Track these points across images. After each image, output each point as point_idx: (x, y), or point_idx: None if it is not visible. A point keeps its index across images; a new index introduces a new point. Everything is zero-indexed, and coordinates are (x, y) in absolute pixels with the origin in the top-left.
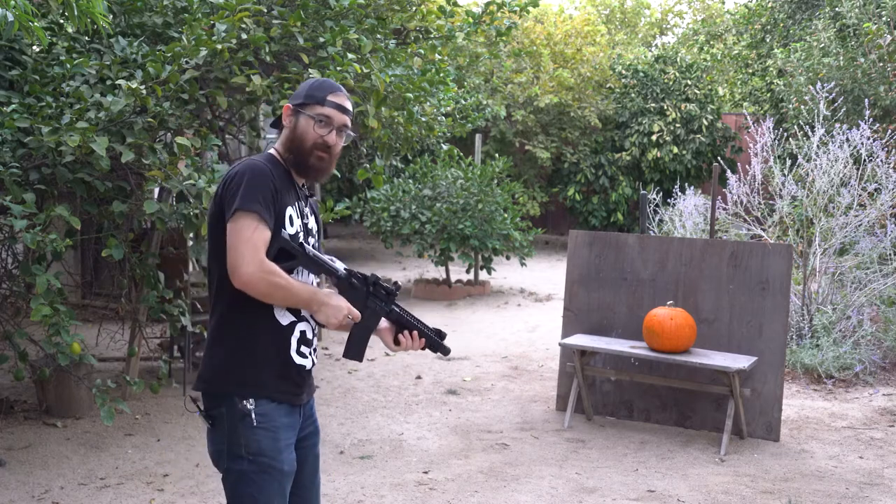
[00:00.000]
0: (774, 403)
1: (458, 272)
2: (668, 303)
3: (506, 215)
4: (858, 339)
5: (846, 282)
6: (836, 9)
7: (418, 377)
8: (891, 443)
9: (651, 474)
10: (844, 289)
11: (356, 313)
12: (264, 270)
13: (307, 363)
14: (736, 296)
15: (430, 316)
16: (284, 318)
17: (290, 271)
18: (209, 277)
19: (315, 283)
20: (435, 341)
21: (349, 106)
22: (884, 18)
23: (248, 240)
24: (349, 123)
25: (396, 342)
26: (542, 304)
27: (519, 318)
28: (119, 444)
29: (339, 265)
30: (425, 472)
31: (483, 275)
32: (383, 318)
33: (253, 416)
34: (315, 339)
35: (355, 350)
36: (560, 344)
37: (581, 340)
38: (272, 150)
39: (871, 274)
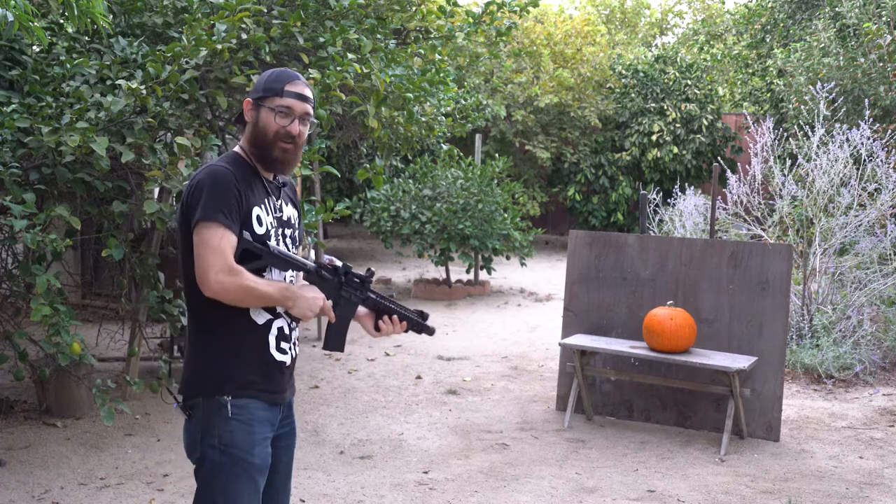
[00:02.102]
0: (774, 403)
1: (458, 272)
2: (668, 303)
3: (506, 215)
4: (858, 339)
5: (846, 282)
6: (836, 9)
7: (418, 377)
8: (891, 443)
9: (651, 474)
10: (844, 289)
11: (328, 305)
12: (233, 275)
13: (287, 359)
14: (736, 296)
15: (430, 316)
16: (260, 317)
17: (259, 271)
18: (184, 282)
19: (288, 279)
20: (418, 322)
21: (309, 94)
22: (884, 18)
23: (216, 248)
24: (311, 111)
25: (378, 328)
26: (542, 304)
27: (519, 318)
28: (119, 444)
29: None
30: (425, 472)
31: (483, 275)
32: (361, 307)
33: (229, 406)
34: (294, 333)
35: (335, 341)
36: (560, 344)
37: (581, 340)
38: (237, 149)
39: (871, 274)
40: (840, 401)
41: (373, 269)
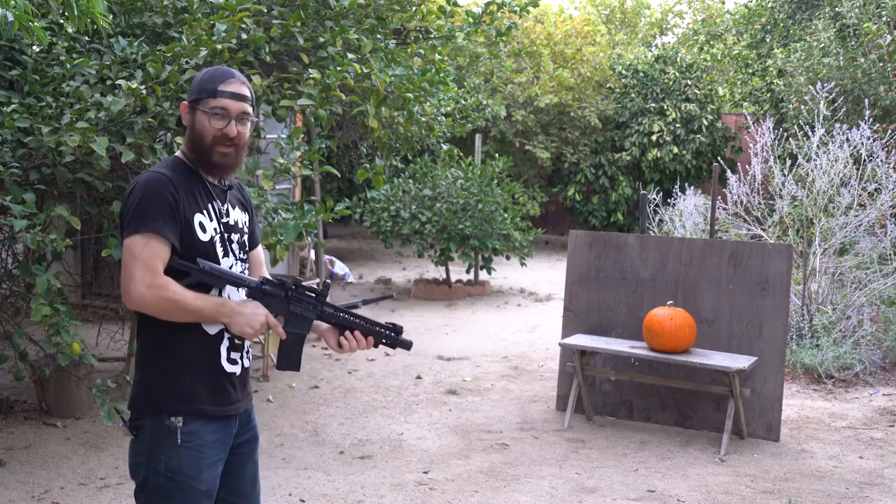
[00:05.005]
0: (774, 403)
1: (458, 272)
2: (668, 303)
3: (506, 215)
4: (858, 339)
5: (846, 282)
6: (836, 9)
7: (418, 377)
8: (891, 443)
9: (651, 474)
10: (844, 289)
11: (274, 321)
12: (155, 288)
13: (237, 369)
14: (736, 296)
15: (430, 316)
16: (212, 328)
17: (209, 288)
18: None
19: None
20: (388, 336)
21: (246, 91)
22: (884, 18)
23: (138, 258)
24: (249, 110)
25: (340, 345)
26: (542, 304)
27: (519, 318)
28: (119, 444)
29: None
30: (425, 472)
31: (483, 275)
32: (322, 322)
33: (178, 434)
34: (246, 342)
35: (289, 359)
36: (560, 344)
37: (581, 340)
38: (178, 153)
39: (871, 274)
40: (840, 401)
41: (329, 281)
